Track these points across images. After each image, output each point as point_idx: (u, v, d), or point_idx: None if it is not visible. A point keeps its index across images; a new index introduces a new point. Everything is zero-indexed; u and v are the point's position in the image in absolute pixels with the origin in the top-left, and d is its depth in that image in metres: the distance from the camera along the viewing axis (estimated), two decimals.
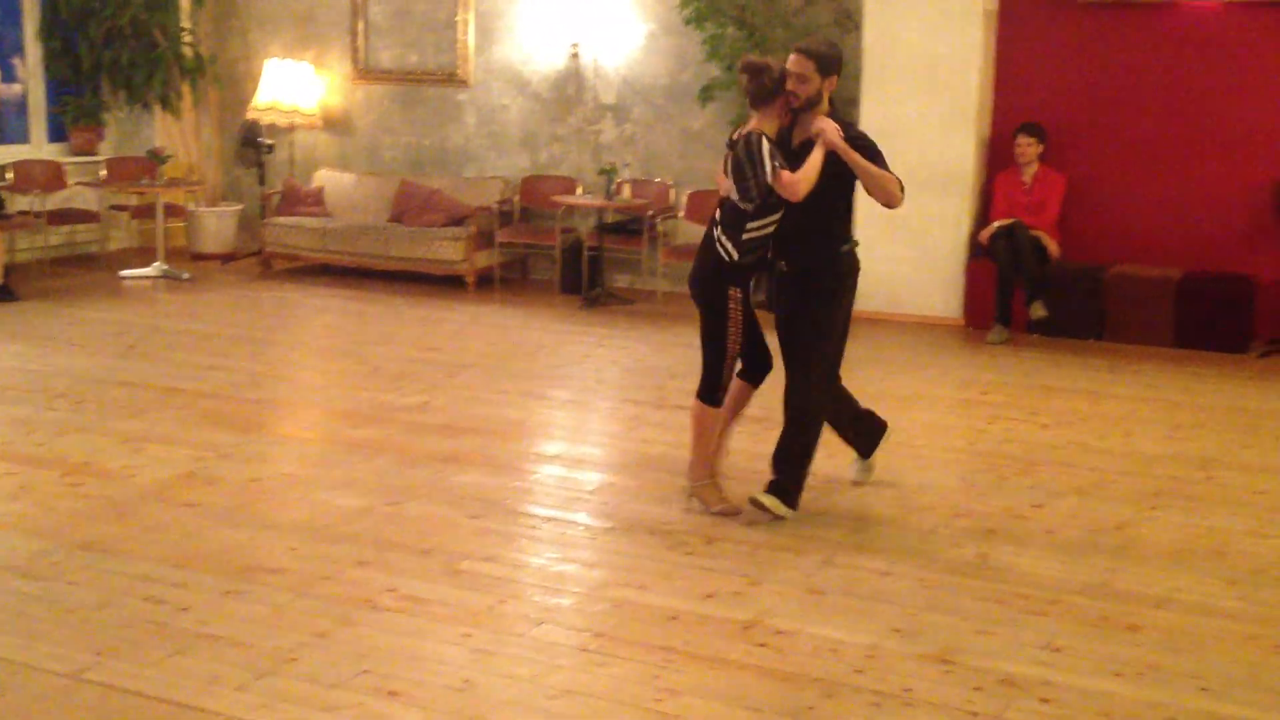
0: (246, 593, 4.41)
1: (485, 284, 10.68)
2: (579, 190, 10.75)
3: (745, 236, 5.12)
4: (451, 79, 11.31)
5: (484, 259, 10.68)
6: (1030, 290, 8.71)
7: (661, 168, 10.66)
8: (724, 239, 5.14)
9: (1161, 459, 6.19)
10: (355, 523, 5.12)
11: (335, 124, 11.82)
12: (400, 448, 6.15)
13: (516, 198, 11.00)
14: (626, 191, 10.34)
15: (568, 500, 5.50)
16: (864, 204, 10.52)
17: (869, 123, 9.49)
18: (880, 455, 5.91)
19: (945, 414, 6.51)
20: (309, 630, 4.11)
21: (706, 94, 9.96)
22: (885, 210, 10.54)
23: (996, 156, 9.46)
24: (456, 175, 11.31)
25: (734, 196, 5.10)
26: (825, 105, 5.19)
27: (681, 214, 10.41)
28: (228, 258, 11.56)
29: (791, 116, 5.20)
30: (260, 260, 11.22)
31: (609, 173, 10.02)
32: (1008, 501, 5.50)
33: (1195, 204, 8.99)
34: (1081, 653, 4.04)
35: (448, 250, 10.49)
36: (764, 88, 5.10)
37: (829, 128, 5.09)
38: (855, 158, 5.13)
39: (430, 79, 11.42)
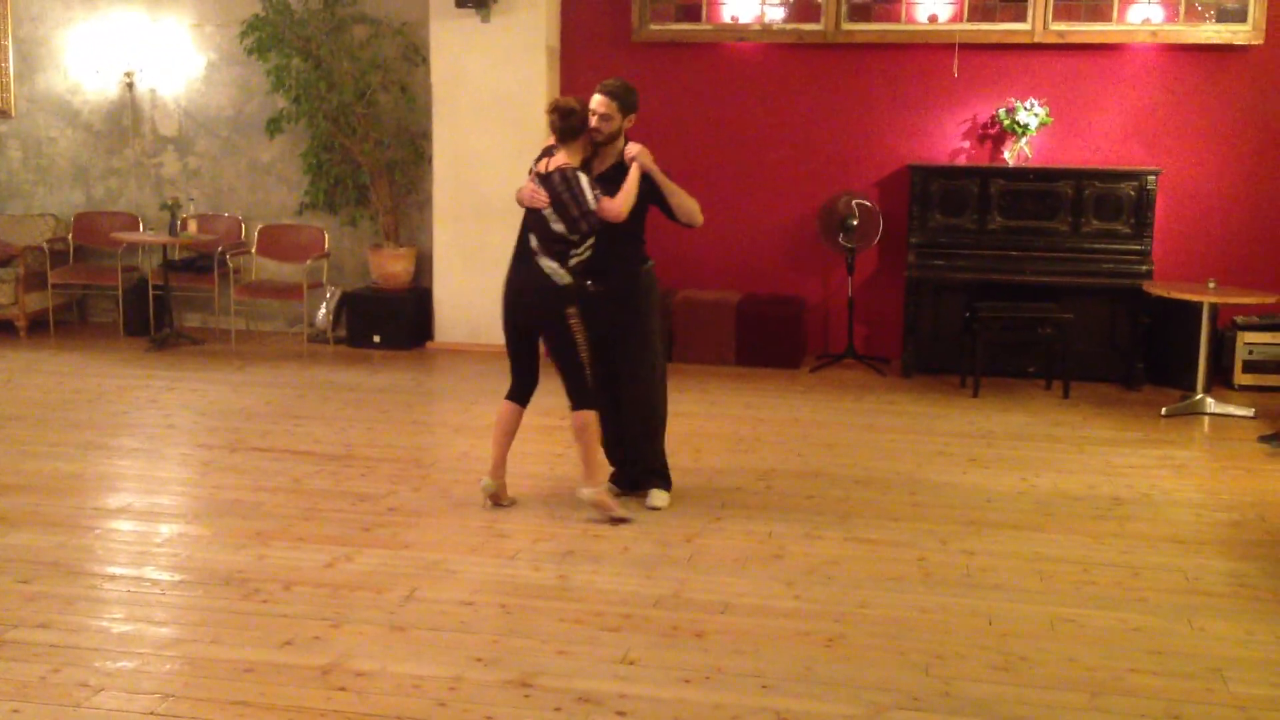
0: None
1: (39, 328, 9.93)
2: (141, 227, 10.20)
3: (572, 262, 5.54)
4: None
5: (36, 302, 9.93)
6: None
7: (230, 202, 10.29)
8: (552, 263, 5.51)
9: (726, 472, 6.56)
10: None
11: None
12: None
13: (70, 235, 10.30)
14: (193, 227, 9.90)
15: (135, 556, 5.17)
16: (440, 235, 10.48)
17: (441, 154, 9.57)
18: (459, 486, 6.18)
19: (526, 441, 6.61)
20: None
21: (274, 126, 9.70)
22: (461, 244, 10.61)
23: None
24: None
25: (559, 228, 5.47)
26: (623, 139, 5.64)
27: (254, 249, 10.09)
28: None
29: (594, 150, 5.60)
30: None
31: (172, 208, 9.57)
32: (585, 522, 5.67)
33: (751, 232, 9.64)
34: (654, 663, 4.21)
35: None
36: (572, 126, 5.52)
37: (642, 151, 5.56)
38: (664, 179, 5.61)
39: None
